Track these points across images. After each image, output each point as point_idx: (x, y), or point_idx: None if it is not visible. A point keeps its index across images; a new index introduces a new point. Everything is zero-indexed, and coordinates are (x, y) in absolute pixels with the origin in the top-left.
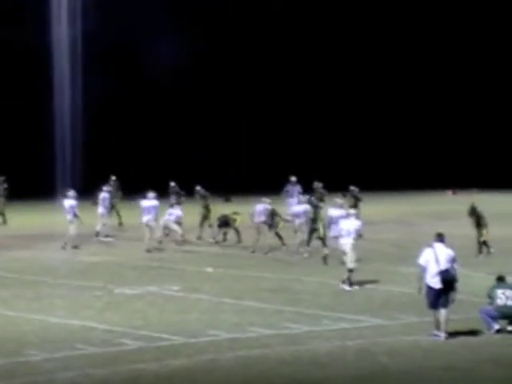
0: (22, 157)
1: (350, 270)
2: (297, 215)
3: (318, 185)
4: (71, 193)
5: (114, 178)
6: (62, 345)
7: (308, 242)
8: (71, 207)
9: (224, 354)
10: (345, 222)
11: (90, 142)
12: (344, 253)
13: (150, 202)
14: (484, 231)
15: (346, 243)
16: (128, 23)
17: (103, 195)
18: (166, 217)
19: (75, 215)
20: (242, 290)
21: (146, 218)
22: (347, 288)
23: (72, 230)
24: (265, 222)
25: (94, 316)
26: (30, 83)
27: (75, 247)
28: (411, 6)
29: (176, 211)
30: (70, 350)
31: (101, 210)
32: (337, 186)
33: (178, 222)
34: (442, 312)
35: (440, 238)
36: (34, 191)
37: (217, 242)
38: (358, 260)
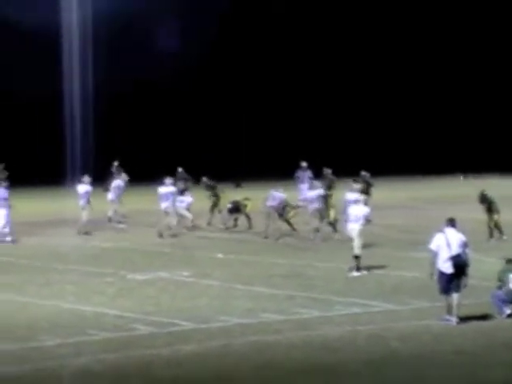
0: (31, 144)
1: (356, 257)
2: (310, 200)
3: (327, 171)
4: (86, 178)
5: (116, 163)
6: (74, 330)
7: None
8: (86, 193)
9: (235, 340)
10: (353, 207)
11: (101, 130)
12: (350, 238)
13: (167, 188)
14: (495, 216)
15: (353, 228)
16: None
17: (118, 183)
18: (178, 204)
19: (88, 201)
20: (253, 276)
21: (164, 205)
22: (356, 274)
23: (84, 215)
24: (276, 209)
25: (105, 302)
26: (41, 68)
27: (86, 233)
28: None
29: (187, 198)
30: (81, 335)
31: (111, 196)
32: (347, 171)
33: (188, 209)
34: (454, 296)
35: (451, 222)
36: (43, 178)
37: (227, 228)
38: (364, 246)
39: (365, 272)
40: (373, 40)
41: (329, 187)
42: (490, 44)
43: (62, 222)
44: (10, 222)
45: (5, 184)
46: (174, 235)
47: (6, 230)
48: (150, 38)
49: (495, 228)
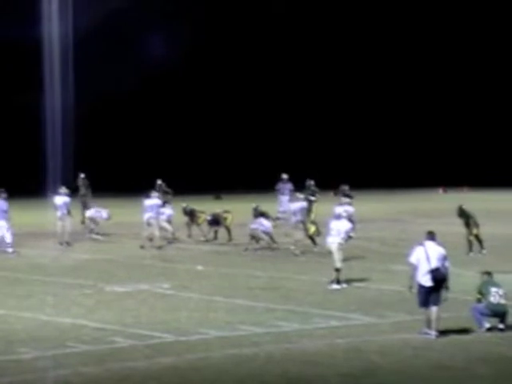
0: (10, 155)
1: (337, 270)
2: (293, 213)
3: (310, 182)
4: (63, 190)
5: (82, 175)
6: (53, 343)
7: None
8: (65, 204)
9: (214, 353)
10: (336, 222)
11: (81, 139)
12: (330, 252)
13: (152, 200)
14: (475, 230)
15: (333, 242)
16: (122, 18)
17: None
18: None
19: (68, 212)
20: (232, 288)
21: (147, 216)
22: (335, 286)
23: (67, 225)
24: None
25: (85, 314)
26: (20, 78)
27: (68, 243)
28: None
29: (167, 210)
30: (61, 347)
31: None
32: (328, 183)
33: (169, 221)
34: (433, 310)
35: (431, 236)
36: (23, 190)
37: (207, 240)
38: (344, 258)
39: (344, 285)
40: (356, 53)
41: (310, 199)
42: (467, 65)
43: (42, 233)
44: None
45: (4, 195)
46: (159, 247)
47: (8, 240)
48: (132, 46)
49: (476, 241)
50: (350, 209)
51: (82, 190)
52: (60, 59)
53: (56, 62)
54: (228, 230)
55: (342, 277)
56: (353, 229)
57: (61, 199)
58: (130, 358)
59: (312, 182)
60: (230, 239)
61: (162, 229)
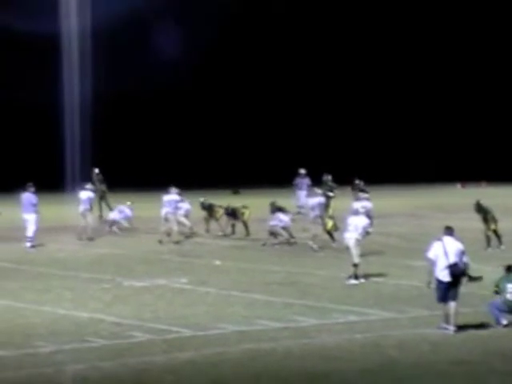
0: (30, 150)
1: (355, 265)
2: (312, 208)
3: (327, 177)
4: (89, 185)
5: (96, 171)
6: (71, 337)
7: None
8: (89, 199)
9: (232, 347)
10: (353, 218)
11: (99, 135)
12: (347, 247)
13: (170, 196)
14: (493, 225)
15: (350, 238)
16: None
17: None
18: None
19: (91, 208)
20: (250, 283)
21: (164, 211)
22: (353, 282)
23: (90, 221)
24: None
25: (102, 308)
26: (38, 74)
27: (91, 239)
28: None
29: (185, 205)
30: (78, 342)
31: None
32: (345, 178)
33: (186, 216)
34: (452, 305)
35: (449, 231)
36: (42, 184)
37: (225, 235)
38: (362, 254)
39: (362, 280)
40: (367, 50)
41: (328, 194)
42: (484, 57)
43: (61, 228)
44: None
45: (32, 189)
46: (177, 242)
47: (29, 234)
48: (148, 45)
49: (495, 237)
50: (368, 204)
51: (97, 185)
52: (78, 56)
53: (75, 58)
54: (245, 225)
55: (360, 272)
56: (370, 224)
57: (86, 194)
58: (148, 352)
59: (329, 177)
60: (248, 234)
61: (179, 224)
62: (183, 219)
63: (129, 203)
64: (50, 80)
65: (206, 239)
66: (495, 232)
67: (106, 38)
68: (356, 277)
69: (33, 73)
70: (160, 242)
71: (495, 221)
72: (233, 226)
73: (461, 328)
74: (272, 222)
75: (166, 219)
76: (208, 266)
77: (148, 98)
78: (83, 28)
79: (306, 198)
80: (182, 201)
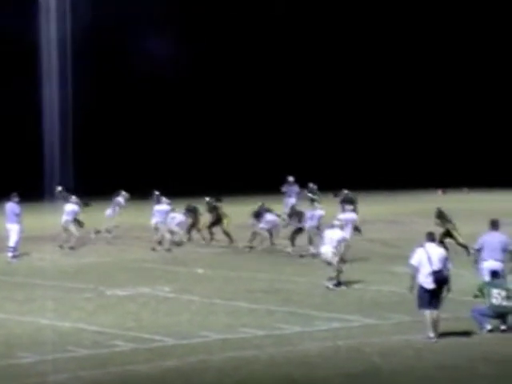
0: (9, 159)
1: (339, 271)
2: (310, 218)
3: (312, 186)
4: (74, 199)
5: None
6: (53, 347)
7: (292, 241)
8: (73, 212)
9: (215, 355)
10: (329, 231)
11: (81, 140)
12: (326, 262)
13: (161, 206)
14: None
15: (327, 252)
16: (119, 19)
17: (118, 200)
18: (169, 220)
19: (74, 220)
20: (233, 291)
21: (155, 220)
22: (331, 286)
23: (73, 231)
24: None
25: (85, 318)
26: (17, 78)
27: (72, 248)
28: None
29: (179, 215)
30: (61, 352)
31: (109, 212)
32: (328, 185)
33: (179, 226)
34: (434, 312)
35: (431, 237)
36: (22, 193)
37: (210, 241)
38: (345, 261)
39: (343, 287)
40: (354, 56)
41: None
42: (464, 65)
43: (43, 237)
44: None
45: (16, 199)
46: (168, 250)
47: (11, 244)
48: (131, 49)
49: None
50: (353, 216)
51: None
52: (58, 61)
53: (54, 64)
54: (227, 233)
55: (343, 278)
56: (345, 239)
57: (71, 206)
58: (131, 361)
59: (315, 186)
60: (232, 242)
61: (171, 232)
62: (175, 228)
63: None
64: (29, 87)
65: (189, 247)
66: (460, 244)
67: (87, 43)
68: (339, 283)
69: (9, 79)
70: (153, 249)
71: (454, 228)
72: (211, 233)
73: (443, 334)
74: (262, 225)
75: (156, 229)
76: (191, 275)
77: (130, 104)
78: (63, 31)
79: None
80: (173, 211)
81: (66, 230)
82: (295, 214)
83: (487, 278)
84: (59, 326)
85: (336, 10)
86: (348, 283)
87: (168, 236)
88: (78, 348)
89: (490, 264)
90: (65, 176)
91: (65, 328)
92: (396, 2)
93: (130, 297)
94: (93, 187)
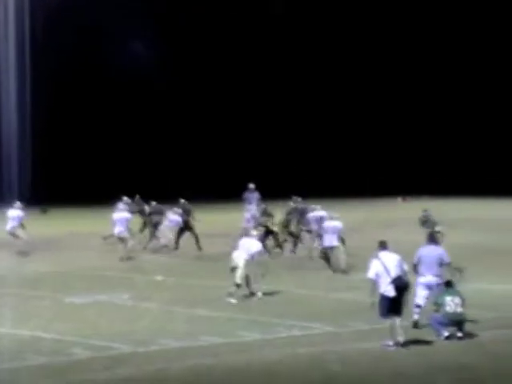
0: None
1: (238, 285)
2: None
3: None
4: (18, 204)
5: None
6: (11, 355)
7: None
8: (18, 217)
9: (174, 363)
10: (246, 239)
11: (38, 149)
12: (235, 267)
13: (120, 213)
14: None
15: (239, 257)
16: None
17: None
18: (167, 223)
19: (21, 225)
20: (193, 299)
21: (117, 230)
22: (233, 301)
23: (21, 235)
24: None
25: (43, 326)
26: None
27: (24, 253)
28: (407, 11)
29: (174, 216)
30: (19, 360)
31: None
32: (285, 193)
33: (173, 229)
34: (395, 320)
35: (383, 245)
36: None
37: (176, 247)
38: (304, 267)
39: (233, 301)
40: (326, 66)
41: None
42: (425, 75)
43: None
44: None
45: None
46: (128, 258)
47: None
48: (97, 48)
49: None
50: (339, 224)
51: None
52: (16, 65)
53: (12, 64)
54: (196, 238)
55: (303, 285)
56: (262, 253)
57: (15, 212)
58: (89, 369)
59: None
60: (200, 248)
61: (163, 236)
62: (168, 232)
63: None
64: None
65: (148, 255)
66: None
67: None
68: (231, 295)
69: None
70: (127, 259)
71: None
72: (177, 242)
73: (402, 342)
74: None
75: (121, 239)
76: (151, 282)
77: (90, 111)
78: (21, 34)
79: (255, 212)
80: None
81: (13, 235)
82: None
83: (424, 292)
84: (17, 335)
85: (332, 15)
86: (309, 290)
87: (131, 243)
88: (36, 356)
89: (426, 279)
90: (22, 183)
91: (23, 336)
92: (396, 3)
93: (88, 304)
94: (52, 194)
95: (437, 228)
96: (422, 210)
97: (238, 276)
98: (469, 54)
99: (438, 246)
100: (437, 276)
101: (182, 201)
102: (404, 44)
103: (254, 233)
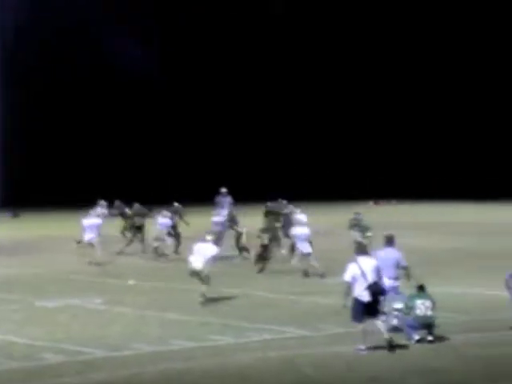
0: None
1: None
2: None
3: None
4: None
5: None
6: None
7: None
8: None
9: (146, 368)
10: (201, 244)
11: (9, 152)
12: (193, 272)
13: (90, 220)
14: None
15: (196, 261)
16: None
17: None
18: (158, 227)
19: None
20: (166, 303)
21: (88, 237)
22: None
23: None
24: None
25: (14, 330)
26: None
27: None
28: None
29: (165, 220)
30: None
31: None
32: (260, 196)
33: (169, 232)
34: (371, 323)
35: (361, 249)
36: None
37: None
38: (277, 271)
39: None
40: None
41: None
42: (399, 79)
43: None
44: None
45: None
46: (96, 263)
47: None
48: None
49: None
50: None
51: None
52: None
53: None
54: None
55: (275, 288)
56: (215, 258)
57: None
58: (61, 374)
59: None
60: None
61: (158, 239)
62: (166, 236)
63: None
64: None
65: (121, 259)
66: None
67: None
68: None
69: None
70: (91, 264)
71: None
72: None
73: (374, 346)
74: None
75: (92, 246)
76: (123, 286)
77: (67, 111)
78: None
79: (228, 216)
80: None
81: None
82: (232, 221)
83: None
84: None
85: (330, 17)
86: (283, 294)
87: (99, 253)
88: (7, 360)
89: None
90: None
91: None
92: (396, 4)
93: (59, 308)
94: (24, 198)
95: (368, 233)
96: (353, 213)
97: (204, 279)
98: (463, 58)
99: (395, 249)
100: (393, 279)
101: (176, 204)
102: (401, 48)
103: (209, 237)
